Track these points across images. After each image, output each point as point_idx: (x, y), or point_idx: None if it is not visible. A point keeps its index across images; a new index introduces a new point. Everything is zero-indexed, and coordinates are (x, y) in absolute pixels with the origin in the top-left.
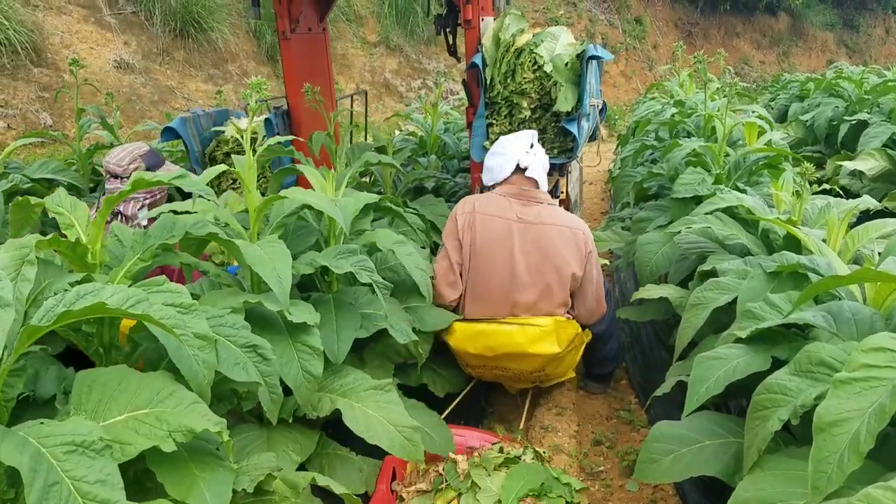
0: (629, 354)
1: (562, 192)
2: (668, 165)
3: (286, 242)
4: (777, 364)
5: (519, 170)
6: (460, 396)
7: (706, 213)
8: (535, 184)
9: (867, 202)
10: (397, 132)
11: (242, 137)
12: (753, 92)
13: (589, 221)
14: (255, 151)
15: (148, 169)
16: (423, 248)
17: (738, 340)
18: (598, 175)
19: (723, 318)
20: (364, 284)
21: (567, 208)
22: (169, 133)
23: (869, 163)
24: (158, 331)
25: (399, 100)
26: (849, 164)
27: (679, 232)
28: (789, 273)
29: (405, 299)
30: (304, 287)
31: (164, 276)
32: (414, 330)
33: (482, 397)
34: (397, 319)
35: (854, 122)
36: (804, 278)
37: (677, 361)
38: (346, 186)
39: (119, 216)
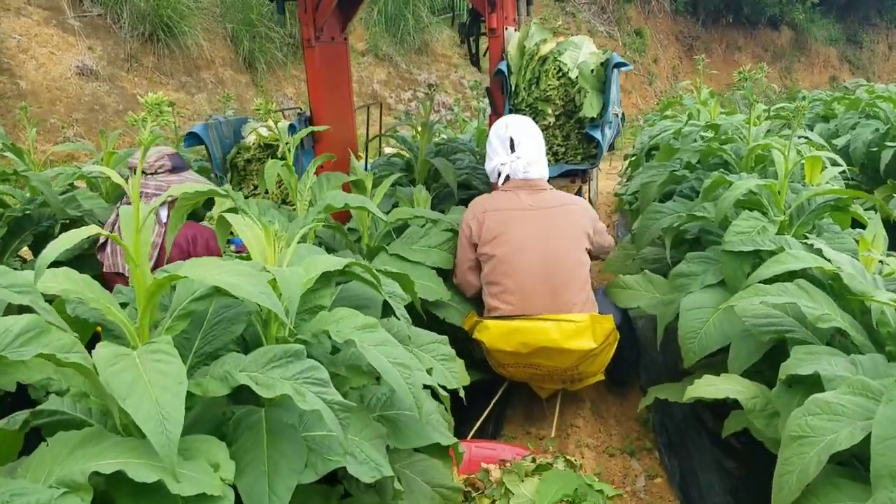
0: (662, 438)
1: (586, 198)
2: (716, 209)
3: (196, 338)
4: None
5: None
6: (491, 406)
7: (780, 279)
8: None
9: None
10: (387, 149)
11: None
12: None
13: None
14: (283, 159)
15: (173, 169)
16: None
17: None
18: (601, 198)
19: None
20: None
21: None
22: (192, 138)
23: None
24: None
25: (388, 112)
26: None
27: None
28: None
29: (383, 405)
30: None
31: None
32: (388, 449)
33: (504, 405)
34: (363, 441)
35: None
36: None
37: None
38: (301, 242)
39: None
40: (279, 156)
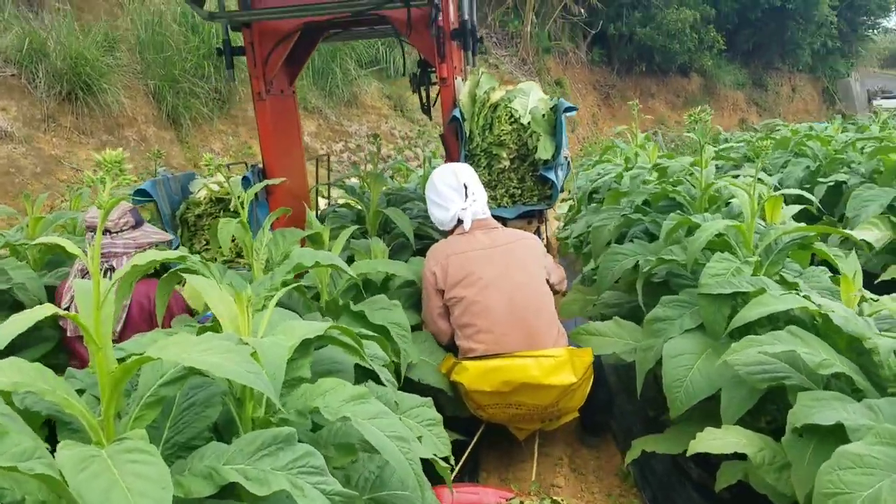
0: (646, 493)
1: (544, 238)
2: (688, 252)
3: (165, 427)
4: None
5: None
6: (467, 452)
7: (762, 321)
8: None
9: None
10: (322, 200)
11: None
12: (674, 150)
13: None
14: (235, 213)
15: (136, 224)
16: (395, 386)
17: None
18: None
19: None
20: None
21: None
22: (140, 195)
23: (873, 233)
24: None
25: (325, 164)
26: (853, 234)
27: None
28: None
29: (372, 485)
30: None
31: None
32: None
33: (476, 453)
34: None
35: (831, 183)
36: None
37: None
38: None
39: (107, 273)
40: (232, 209)
